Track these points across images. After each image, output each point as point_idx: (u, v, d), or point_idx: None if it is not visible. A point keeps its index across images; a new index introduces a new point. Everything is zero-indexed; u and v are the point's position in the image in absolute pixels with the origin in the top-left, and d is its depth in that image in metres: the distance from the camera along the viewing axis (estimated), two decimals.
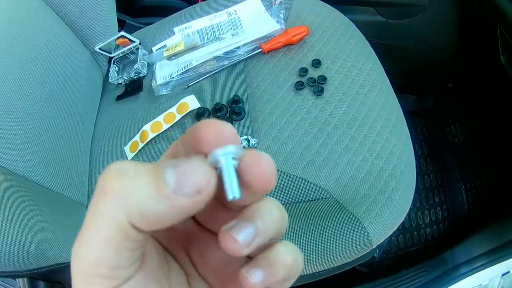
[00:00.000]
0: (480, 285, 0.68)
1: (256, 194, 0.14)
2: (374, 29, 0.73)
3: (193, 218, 0.17)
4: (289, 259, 0.14)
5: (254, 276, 0.14)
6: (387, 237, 0.52)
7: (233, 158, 0.13)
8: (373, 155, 0.53)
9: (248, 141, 0.53)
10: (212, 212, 0.16)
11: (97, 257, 0.12)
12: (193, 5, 0.67)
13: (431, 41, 0.75)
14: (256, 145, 0.53)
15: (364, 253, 0.50)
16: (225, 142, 0.13)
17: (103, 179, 0.13)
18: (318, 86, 0.56)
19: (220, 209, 0.16)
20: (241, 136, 0.53)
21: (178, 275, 0.16)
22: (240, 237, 0.13)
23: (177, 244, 0.17)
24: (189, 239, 0.17)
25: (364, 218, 0.49)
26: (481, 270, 0.67)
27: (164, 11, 0.70)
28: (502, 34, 0.67)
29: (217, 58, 0.60)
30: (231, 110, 0.55)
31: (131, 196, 0.12)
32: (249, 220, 0.14)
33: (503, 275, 0.67)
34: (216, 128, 0.13)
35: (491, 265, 0.67)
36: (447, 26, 0.74)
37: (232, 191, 0.13)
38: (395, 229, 0.53)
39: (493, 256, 0.68)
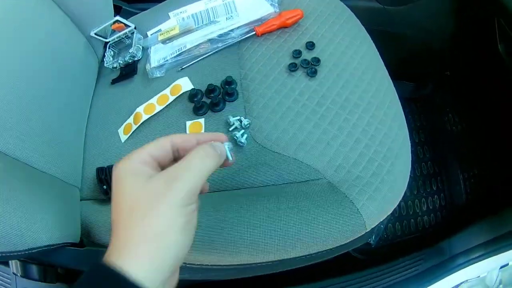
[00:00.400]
0: (478, 276, 0.66)
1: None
2: (371, 15, 0.72)
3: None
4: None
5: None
6: (381, 220, 0.51)
7: (229, 148, 0.33)
8: (367, 136, 0.52)
9: (241, 121, 0.52)
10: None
11: (194, 187, 0.27)
12: None
13: (428, 28, 0.74)
14: (248, 125, 0.52)
15: (357, 236, 0.49)
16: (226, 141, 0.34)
17: (204, 151, 0.30)
18: (311, 67, 0.55)
19: None
20: (233, 117, 0.52)
21: None
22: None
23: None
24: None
25: (357, 200, 0.48)
26: (479, 261, 0.65)
27: None
28: (499, 23, 0.65)
29: (211, 40, 0.59)
30: (223, 91, 0.54)
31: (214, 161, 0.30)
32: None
33: (501, 267, 0.65)
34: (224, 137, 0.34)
35: (489, 257, 0.65)
36: (444, 13, 0.72)
37: (230, 158, 0.33)
38: (389, 213, 0.51)
39: (491, 247, 0.66)
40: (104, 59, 0.64)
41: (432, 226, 0.75)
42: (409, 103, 0.83)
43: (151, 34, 0.64)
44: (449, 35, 0.76)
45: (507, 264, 0.66)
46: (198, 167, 0.28)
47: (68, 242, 0.50)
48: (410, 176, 0.54)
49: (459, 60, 0.80)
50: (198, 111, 0.54)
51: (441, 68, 0.83)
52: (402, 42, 0.76)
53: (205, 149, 0.29)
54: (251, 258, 0.46)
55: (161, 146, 0.30)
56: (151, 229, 0.25)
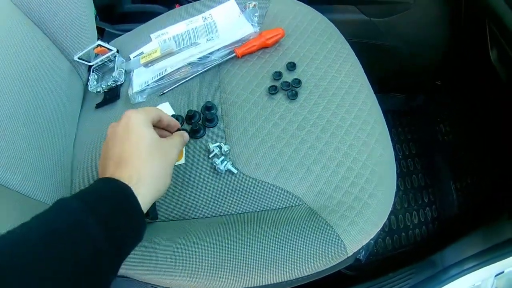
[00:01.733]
0: (473, 285, 0.65)
1: None
2: (357, 28, 0.70)
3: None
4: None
5: None
6: (364, 244, 0.50)
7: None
8: (349, 159, 0.51)
9: (220, 148, 0.51)
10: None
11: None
12: (170, 11, 0.65)
13: (417, 38, 0.71)
14: (228, 152, 0.51)
15: (339, 260, 0.48)
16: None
17: (182, 137, 0.45)
18: (292, 90, 0.54)
19: None
20: (213, 143, 0.51)
21: None
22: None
23: None
24: None
25: (338, 225, 0.47)
26: (472, 272, 0.64)
27: (145, 17, 0.68)
28: (491, 29, 0.63)
29: (191, 64, 0.58)
30: (203, 117, 0.53)
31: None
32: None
33: (496, 275, 0.64)
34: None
35: (482, 267, 0.64)
36: (432, 23, 0.70)
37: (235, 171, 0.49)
38: (372, 236, 0.50)
39: (484, 257, 0.65)
40: (88, 83, 0.64)
41: (424, 239, 0.74)
42: (399, 115, 0.81)
43: (133, 57, 0.63)
44: (438, 44, 0.73)
45: (503, 272, 0.65)
46: (181, 143, 0.44)
47: None
48: (400, 189, 0.53)
49: (449, 69, 0.77)
50: None
51: (431, 78, 0.81)
52: (391, 53, 0.74)
53: (184, 136, 0.46)
54: (231, 284, 0.46)
55: (157, 116, 0.41)
56: (161, 171, 0.37)
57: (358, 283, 0.67)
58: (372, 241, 0.61)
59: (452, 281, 0.66)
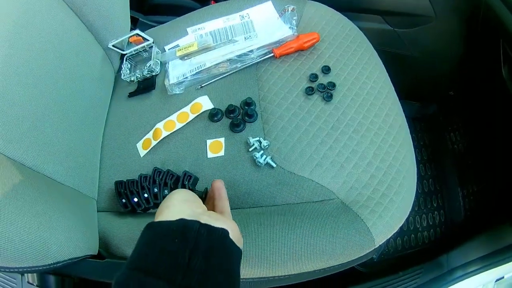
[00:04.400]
0: None
1: None
2: (381, 37, 0.79)
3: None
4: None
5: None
6: (388, 237, 0.58)
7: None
8: (377, 159, 0.59)
9: (260, 142, 0.58)
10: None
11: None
12: (206, 7, 0.72)
13: (435, 50, 0.81)
14: (267, 146, 0.58)
15: (367, 252, 0.56)
16: None
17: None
18: (327, 92, 0.61)
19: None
20: (253, 138, 0.58)
21: None
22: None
23: None
24: None
25: (368, 219, 0.55)
26: (475, 274, 0.73)
27: (176, 10, 0.74)
28: (504, 48, 0.73)
29: (230, 60, 0.65)
30: (243, 112, 0.60)
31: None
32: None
33: (496, 280, 0.73)
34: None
35: (485, 270, 0.73)
36: (451, 37, 0.80)
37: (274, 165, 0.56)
38: (396, 230, 0.58)
39: (487, 261, 0.73)
40: (121, 72, 0.69)
41: (432, 241, 0.84)
42: (414, 122, 0.91)
43: (169, 49, 0.69)
44: (455, 57, 0.84)
45: (503, 277, 0.73)
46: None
47: (89, 254, 0.56)
48: None
49: (463, 81, 0.88)
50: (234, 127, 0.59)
51: (445, 88, 0.91)
52: (410, 63, 0.84)
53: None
54: (268, 271, 0.52)
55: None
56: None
57: (370, 279, 0.75)
58: (384, 241, 0.70)
59: (456, 282, 0.75)
